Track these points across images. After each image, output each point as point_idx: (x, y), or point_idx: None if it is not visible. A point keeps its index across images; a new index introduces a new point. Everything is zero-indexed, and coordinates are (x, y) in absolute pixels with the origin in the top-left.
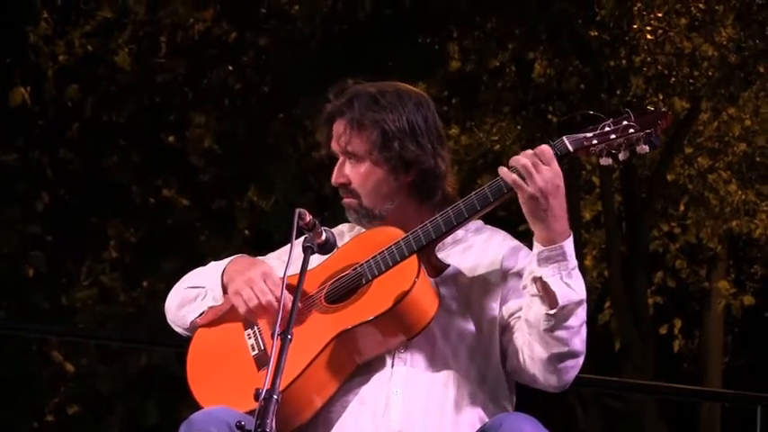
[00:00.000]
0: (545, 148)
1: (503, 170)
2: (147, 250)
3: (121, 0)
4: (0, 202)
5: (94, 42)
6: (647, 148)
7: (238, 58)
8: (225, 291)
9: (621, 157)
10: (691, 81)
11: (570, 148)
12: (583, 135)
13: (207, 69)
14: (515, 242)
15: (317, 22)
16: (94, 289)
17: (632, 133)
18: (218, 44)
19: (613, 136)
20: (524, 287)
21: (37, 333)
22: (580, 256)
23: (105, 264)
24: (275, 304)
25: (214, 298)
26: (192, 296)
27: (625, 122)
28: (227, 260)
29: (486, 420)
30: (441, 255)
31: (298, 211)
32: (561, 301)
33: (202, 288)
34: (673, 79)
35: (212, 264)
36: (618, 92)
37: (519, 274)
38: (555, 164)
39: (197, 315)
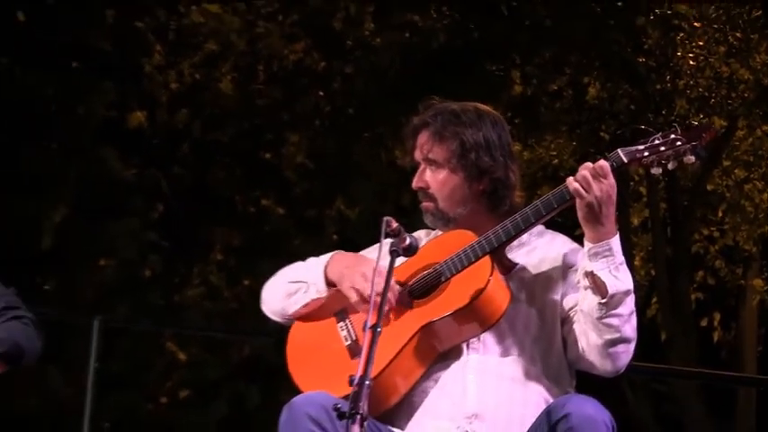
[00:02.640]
0: (603, 163)
1: (569, 180)
2: (247, 253)
3: (224, 34)
4: (121, 213)
5: (201, 72)
6: (693, 158)
7: (327, 84)
8: (328, 284)
9: (670, 166)
10: (728, 102)
11: (624, 160)
12: (635, 148)
13: (300, 94)
14: (574, 244)
15: (396, 52)
16: (203, 288)
17: (680, 145)
18: (310, 72)
19: (663, 148)
20: (578, 281)
21: (153, 327)
22: (629, 257)
23: (212, 265)
24: (376, 296)
25: (318, 291)
26: (294, 289)
27: (673, 136)
28: (325, 257)
29: (551, 401)
30: (509, 255)
31: (385, 219)
32: (611, 291)
33: (304, 282)
34: (712, 101)
35: (310, 260)
36: (663, 112)
37: (576, 272)
38: (611, 178)
39: (300, 306)
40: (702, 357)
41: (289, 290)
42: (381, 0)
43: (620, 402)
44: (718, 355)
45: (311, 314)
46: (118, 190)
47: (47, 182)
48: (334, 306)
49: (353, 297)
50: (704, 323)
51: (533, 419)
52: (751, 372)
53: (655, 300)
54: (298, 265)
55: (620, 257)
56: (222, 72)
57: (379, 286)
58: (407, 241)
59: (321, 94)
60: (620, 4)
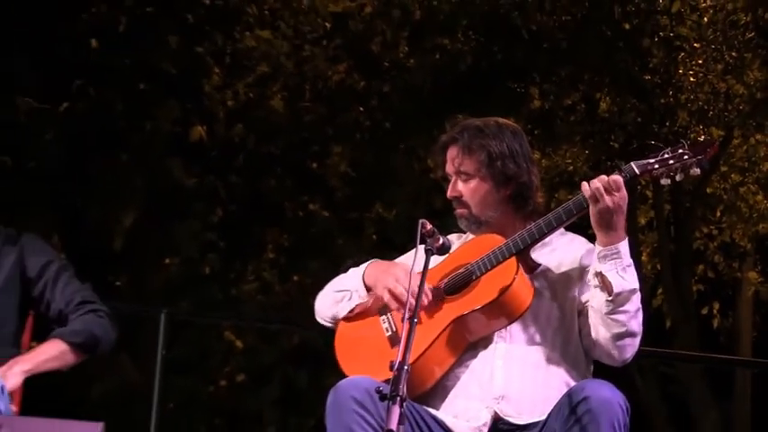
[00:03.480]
0: (617, 178)
1: (584, 187)
2: (296, 252)
3: (274, 57)
4: (183, 217)
5: (254, 91)
6: (698, 171)
7: (366, 101)
8: (367, 289)
9: (678, 178)
10: (725, 114)
11: (637, 172)
12: (647, 161)
13: (342, 111)
14: (590, 245)
15: (428, 72)
16: (256, 283)
17: (686, 159)
18: (351, 91)
19: (672, 162)
20: (590, 280)
21: (214, 319)
22: (637, 254)
23: (265, 263)
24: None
25: (360, 296)
26: (340, 298)
27: (681, 150)
28: (363, 266)
29: (571, 385)
30: (533, 255)
31: (421, 221)
32: (616, 290)
33: (348, 291)
34: (711, 113)
35: (351, 270)
36: (667, 123)
37: (590, 269)
38: (623, 191)
39: (347, 310)
40: (703, 342)
41: (336, 298)
42: (414, 26)
43: (630, 385)
44: (717, 341)
45: (357, 311)
46: (181, 196)
47: (118, 190)
48: (377, 304)
49: (387, 297)
50: (705, 311)
51: (555, 401)
52: (747, 355)
53: (660, 291)
54: (342, 276)
55: (627, 260)
56: (273, 91)
57: (415, 285)
58: (441, 241)
59: (361, 110)
60: (627, 27)
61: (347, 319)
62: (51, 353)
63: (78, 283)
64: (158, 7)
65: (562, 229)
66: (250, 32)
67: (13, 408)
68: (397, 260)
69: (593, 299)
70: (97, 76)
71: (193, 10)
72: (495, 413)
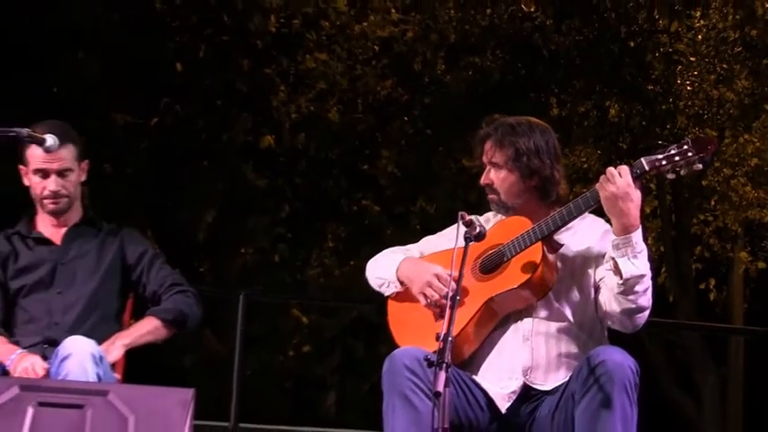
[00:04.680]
0: (622, 167)
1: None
2: (352, 241)
3: (331, 76)
4: (256, 213)
5: (314, 104)
6: (701, 166)
7: (410, 112)
8: (400, 282)
9: (682, 173)
10: (718, 117)
11: (646, 167)
12: (655, 157)
13: (389, 120)
14: (607, 226)
15: (462, 86)
16: (319, 268)
17: (691, 156)
18: (396, 103)
19: (677, 158)
20: (605, 262)
21: (283, 298)
22: (644, 238)
23: (326, 251)
24: (444, 301)
25: (396, 287)
26: (380, 284)
27: (685, 147)
28: (397, 260)
29: (590, 351)
30: (556, 237)
31: (460, 213)
32: (626, 276)
33: (384, 280)
34: (705, 116)
35: (389, 253)
36: (667, 126)
37: (606, 251)
38: (627, 177)
39: (387, 295)
40: (701, 313)
41: (377, 283)
42: (450, 47)
43: (640, 350)
44: (713, 312)
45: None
46: (254, 196)
47: (201, 191)
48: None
49: (423, 301)
50: (702, 287)
51: (575, 366)
52: (739, 324)
53: (663, 270)
54: (381, 258)
55: (639, 247)
56: (330, 105)
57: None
58: (477, 230)
59: (405, 119)
60: (632, 45)
61: (394, 297)
62: (147, 328)
63: (169, 268)
64: (232, 36)
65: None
66: (310, 55)
67: (117, 376)
68: (433, 237)
69: (608, 279)
70: (181, 95)
71: (262, 37)
72: (524, 383)
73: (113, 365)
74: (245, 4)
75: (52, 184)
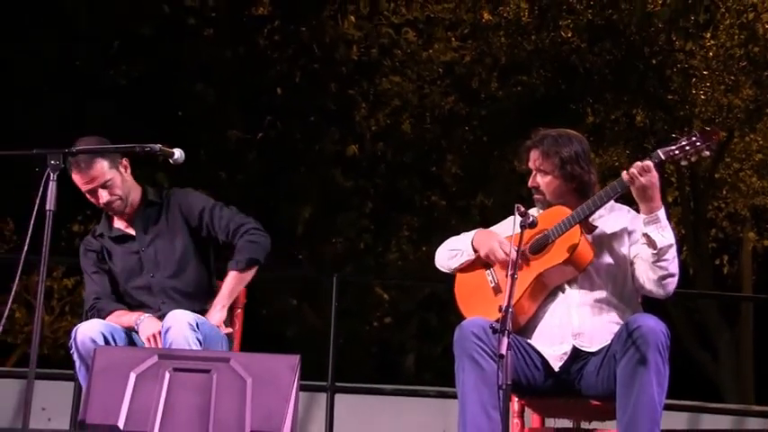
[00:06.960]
0: (648, 163)
1: (624, 174)
2: (423, 231)
3: (404, 94)
4: (345, 209)
5: (391, 119)
6: (708, 152)
7: (470, 122)
8: (474, 250)
9: (693, 159)
10: (727, 121)
11: (663, 157)
12: (669, 148)
13: (452, 130)
14: (634, 212)
15: (513, 100)
16: (397, 254)
17: (699, 145)
18: (458, 115)
19: (688, 147)
20: (639, 239)
21: (369, 279)
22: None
23: (402, 239)
24: (506, 257)
25: (468, 254)
26: (453, 255)
27: (694, 138)
28: (472, 233)
29: (628, 318)
30: (591, 221)
31: (516, 205)
32: (659, 245)
33: (459, 250)
34: (717, 120)
35: (462, 234)
36: (685, 129)
37: (637, 231)
38: (653, 172)
39: (458, 264)
40: (716, 284)
41: (450, 255)
42: (502, 68)
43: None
44: (726, 283)
45: (467, 268)
46: (342, 195)
47: (299, 193)
48: (481, 261)
49: (492, 257)
50: (717, 262)
51: (615, 331)
52: (748, 292)
53: (685, 249)
54: (454, 238)
55: (664, 222)
56: (403, 118)
57: (508, 251)
58: (530, 219)
59: (466, 128)
60: (654, 62)
61: (461, 272)
62: (233, 284)
63: (227, 210)
64: (322, 64)
65: (612, 201)
66: (386, 78)
67: (228, 330)
68: (495, 227)
69: (642, 252)
70: (282, 114)
71: (346, 64)
72: (573, 345)
73: (226, 323)
74: (332, 37)
75: (102, 198)
